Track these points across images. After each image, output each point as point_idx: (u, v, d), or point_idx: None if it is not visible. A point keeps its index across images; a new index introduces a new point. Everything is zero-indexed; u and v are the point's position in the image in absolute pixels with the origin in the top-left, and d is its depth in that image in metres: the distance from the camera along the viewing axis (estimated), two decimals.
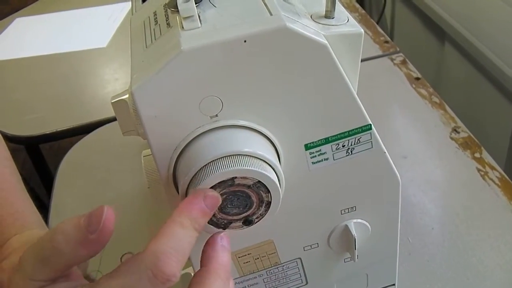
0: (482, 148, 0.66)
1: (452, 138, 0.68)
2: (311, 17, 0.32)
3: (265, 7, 0.29)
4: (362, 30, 0.32)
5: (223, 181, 0.28)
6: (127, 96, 0.33)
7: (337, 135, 0.32)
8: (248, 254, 0.37)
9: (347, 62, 0.32)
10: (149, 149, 0.30)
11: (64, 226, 0.27)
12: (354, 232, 0.37)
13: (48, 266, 0.27)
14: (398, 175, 0.36)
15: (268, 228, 0.35)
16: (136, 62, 0.30)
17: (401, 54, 0.88)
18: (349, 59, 0.32)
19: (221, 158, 0.28)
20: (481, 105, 1.01)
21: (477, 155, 0.65)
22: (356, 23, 0.32)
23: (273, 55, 0.28)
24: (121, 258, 0.55)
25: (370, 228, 0.38)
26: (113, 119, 0.78)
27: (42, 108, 0.84)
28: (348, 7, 1.07)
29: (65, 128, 0.79)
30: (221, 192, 0.28)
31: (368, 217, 0.37)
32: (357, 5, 1.08)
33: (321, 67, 0.29)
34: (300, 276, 0.40)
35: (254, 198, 0.29)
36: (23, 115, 0.83)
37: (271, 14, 0.28)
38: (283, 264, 0.39)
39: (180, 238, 0.26)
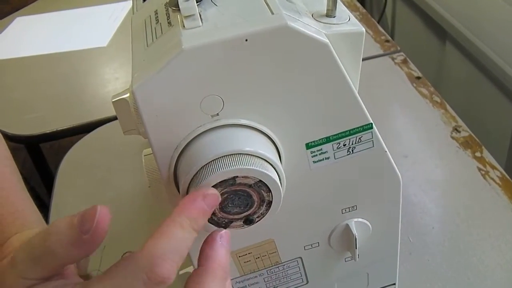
0: (483, 147, 0.66)
1: (453, 138, 0.68)
2: (312, 16, 0.32)
3: (266, 5, 0.29)
4: (364, 29, 0.32)
5: (224, 180, 0.28)
6: (128, 95, 0.33)
7: (338, 134, 0.32)
8: (249, 253, 0.37)
9: (348, 61, 0.32)
10: (150, 148, 0.30)
11: (57, 226, 0.26)
12: (355, 231, 0.37)
13: (40, 265, 0.27)
14: (399, 174, 0.36)
15: (269, 227, 0.35)
16: (137, 61, 0.30)
17: (402, 53, 0.88)
18: (350, 58, 0.32)
19: (222, 157, 0.28)
20: (482, 104, 1.01)
21: (478, 154, 0.65)
22: (358, 22, 0.32)
23: (274, 54, 0.28)
24: (121, 257, 0.55)
25: (371, 227, 0.38)
26: (114, 118, 0.78)
27: (42, 107, 0.84)
28: (349, 6, 1.07)
29: (65, 127, 0.79)
30: (222, 191, 0.28)
31: (369, 216, 0.37)
32: (358, 4, 1.08)
33: (322, 66, 0.29)
34: (301, 275, 0.40)
35: (255, 197, 0.29)
36: (24, 114, 0.83)
37: (272, 13, 0.28)
38: (283, 263, 0.39)
39: (178, 240, 0.25)
